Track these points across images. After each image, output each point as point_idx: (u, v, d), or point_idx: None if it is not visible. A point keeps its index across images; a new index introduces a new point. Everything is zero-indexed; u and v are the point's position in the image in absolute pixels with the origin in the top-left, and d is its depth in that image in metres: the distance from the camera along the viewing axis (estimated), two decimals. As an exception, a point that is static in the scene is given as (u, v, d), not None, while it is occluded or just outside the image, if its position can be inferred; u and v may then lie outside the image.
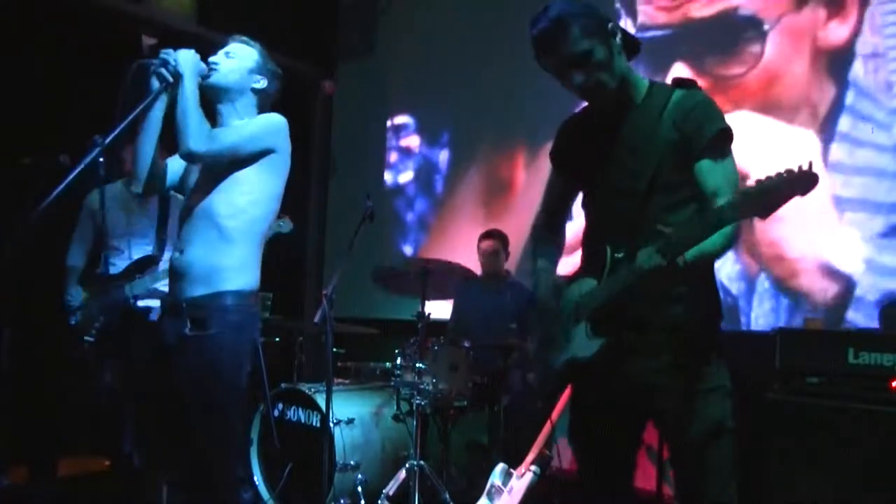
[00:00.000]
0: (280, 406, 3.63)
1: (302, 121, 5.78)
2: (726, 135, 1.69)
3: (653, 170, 1.70)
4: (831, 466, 2.52)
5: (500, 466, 3.04)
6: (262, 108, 2.29)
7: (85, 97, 4.18)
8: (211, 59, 2.20)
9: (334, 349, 3.37)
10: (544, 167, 2.05)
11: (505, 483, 2.97)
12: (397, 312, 5.18)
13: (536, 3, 1.72)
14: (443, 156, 5.35)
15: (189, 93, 2.08)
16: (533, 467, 2.94)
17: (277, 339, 4.23)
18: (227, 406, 2.12)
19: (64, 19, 4.25)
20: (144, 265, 3.23)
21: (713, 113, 1.71)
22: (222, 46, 2.27)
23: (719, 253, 1.65)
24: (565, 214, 2.03)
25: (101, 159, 2.00)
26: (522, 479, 2.93)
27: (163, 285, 3.18)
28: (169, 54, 2.10)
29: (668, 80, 1.84)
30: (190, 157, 2.14)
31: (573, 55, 1.66)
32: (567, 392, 2.84)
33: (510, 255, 4.17)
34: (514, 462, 3.02)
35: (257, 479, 3.55)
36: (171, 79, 2.09)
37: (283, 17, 5.38)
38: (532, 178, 4.72)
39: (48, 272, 3.39)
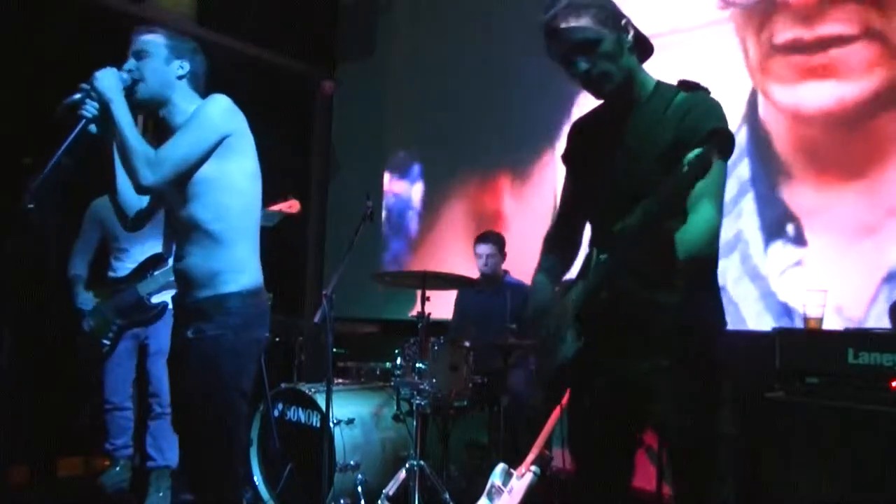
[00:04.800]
0: (280, 406, 3.63)
1: (302, 121, 5.77)
2: (723, 135, 1.52)
3: (649, 171, 1.65)
4: (831, 467, 2.52)
5: (500, 466, 3.04)
6: (199, 88, 2.18)
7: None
8: (125, 66, 2.08)
9: (334, 349, 3.37)
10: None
11: (505, 483, 2.97)
12: (397, 312, 5.19)
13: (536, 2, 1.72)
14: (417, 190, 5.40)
15: (121, 121, 1.98)
16: (533, 467, 2.93)
17: (277, 339, 4.23)
18: (226, 407, 2.07)
19: (64, 19, 4.25)
20: (154, 264, 3.24)
21: (714, 113, 1.65)
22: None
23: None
24: (579, 221, 1.95)
25: (31, 205, 1.94)
26: (522, 479, 2.93)
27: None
28: (91, 82, 1.99)
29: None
30: (146, 192, 2.04)
31: (582, 41, 1.65)
32: (566, 397, 2.85)
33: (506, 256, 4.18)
34: (514, 462, 3.02)
35: (257, 479, 3.55)
36: (97, 112, 1.99)
37: (283, 17, 5.38)
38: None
39: (49, 273, 3.39)
